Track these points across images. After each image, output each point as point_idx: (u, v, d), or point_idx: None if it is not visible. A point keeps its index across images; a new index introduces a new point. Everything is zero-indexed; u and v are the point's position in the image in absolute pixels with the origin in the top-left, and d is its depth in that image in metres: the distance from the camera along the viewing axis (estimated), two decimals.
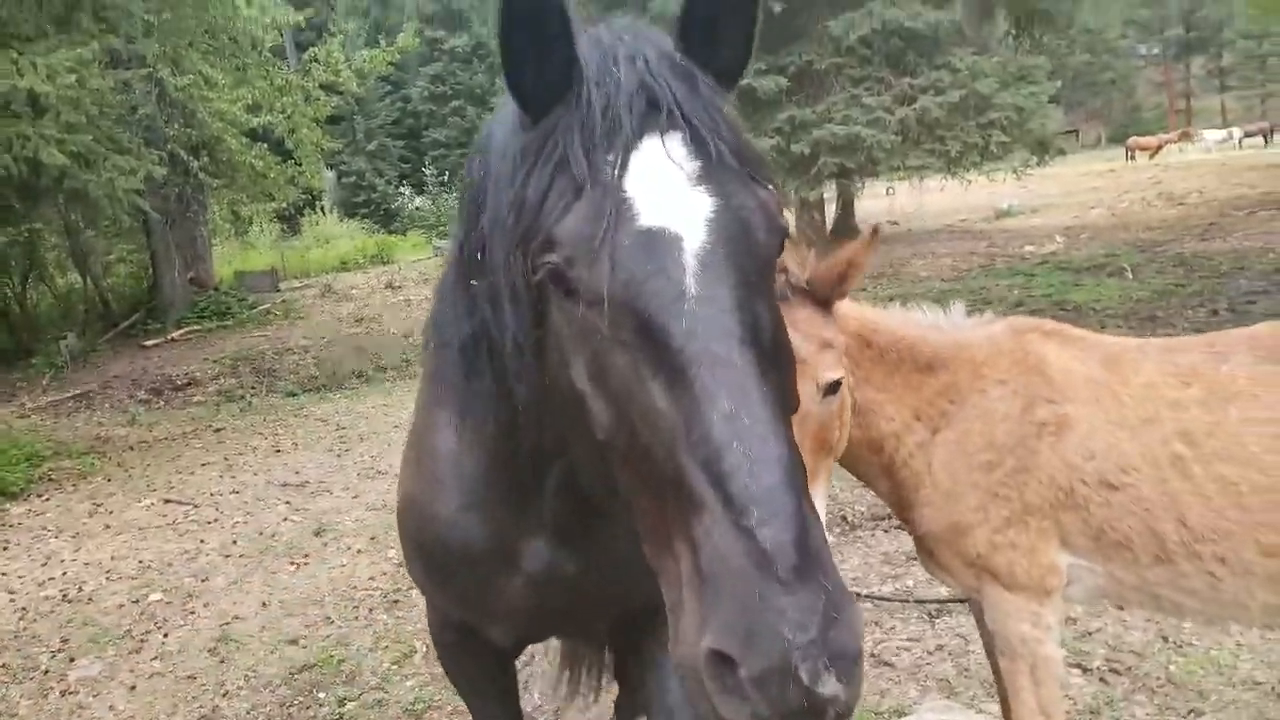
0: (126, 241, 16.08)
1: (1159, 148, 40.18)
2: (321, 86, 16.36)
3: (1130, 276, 12.33)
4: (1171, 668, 3.59)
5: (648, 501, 1.26)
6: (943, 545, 2.38)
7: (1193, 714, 3.29)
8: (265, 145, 15.88)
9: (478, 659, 2.31)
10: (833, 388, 2.08)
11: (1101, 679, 3.52)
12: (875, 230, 2.21)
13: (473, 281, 1.59)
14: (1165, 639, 3.79)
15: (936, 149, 16.52)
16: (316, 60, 16.34)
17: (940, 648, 3.84)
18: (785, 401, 1.30)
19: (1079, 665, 3.58)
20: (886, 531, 5.11)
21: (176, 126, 13.23)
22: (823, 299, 2.14)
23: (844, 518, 5.36)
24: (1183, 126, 50.92)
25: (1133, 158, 39.71)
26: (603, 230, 1.28)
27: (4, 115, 8.82)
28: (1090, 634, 3.81)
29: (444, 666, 2.44)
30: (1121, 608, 3.94)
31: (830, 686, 1.03)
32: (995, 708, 2.81)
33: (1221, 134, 42.03)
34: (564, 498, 1.75)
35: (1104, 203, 22.42)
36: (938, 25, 16.56)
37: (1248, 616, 2.30)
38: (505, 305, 1.48)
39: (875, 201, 22.92)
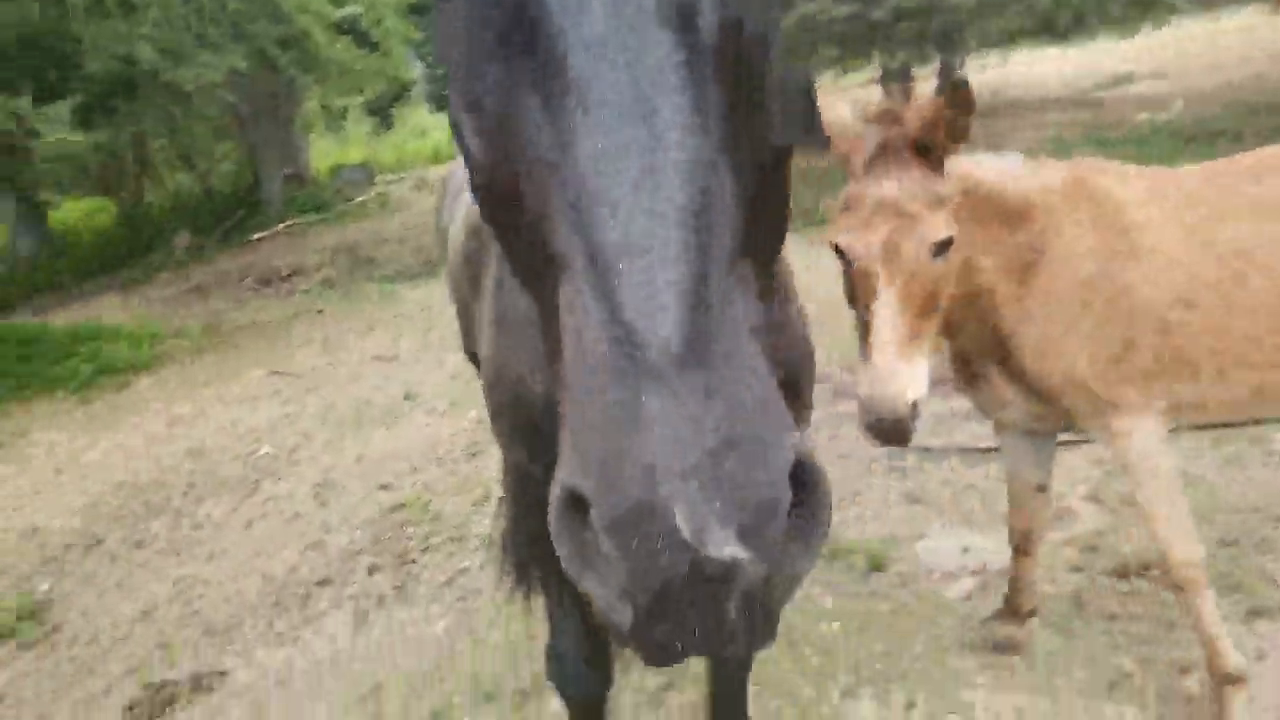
0: (226, 140, 16.76)
1: None
2: None
3: (1240, 142, 11.54)
4: None
5: (538, 296, 0.92)
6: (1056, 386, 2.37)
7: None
8: (351, 38, 16.04)
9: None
10: (944, 247, 2.04)
11: (1113, 510, 3.69)
12: (955, 84, 2.07)
13: None
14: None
15: (1021, 6, 15.31)
16: None
17: (970, 486, 4.03)
18: (736, 139, 0.86)
19: (1094, 498, 3.79)
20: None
21: (264, 21, 13.47)
22: (934, 155, 2.07)
23: None
24: None
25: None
26: None
27: (100, 16, 9.27)
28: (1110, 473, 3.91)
29: (524, 552, 2.19)
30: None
31: (727, 546, 0.67)
32: (1002, 535, 3.01)
33: None
34: None
35: (1230, 65, 20.61)
36: None
37: None
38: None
39: (984, 75, 21.64)
